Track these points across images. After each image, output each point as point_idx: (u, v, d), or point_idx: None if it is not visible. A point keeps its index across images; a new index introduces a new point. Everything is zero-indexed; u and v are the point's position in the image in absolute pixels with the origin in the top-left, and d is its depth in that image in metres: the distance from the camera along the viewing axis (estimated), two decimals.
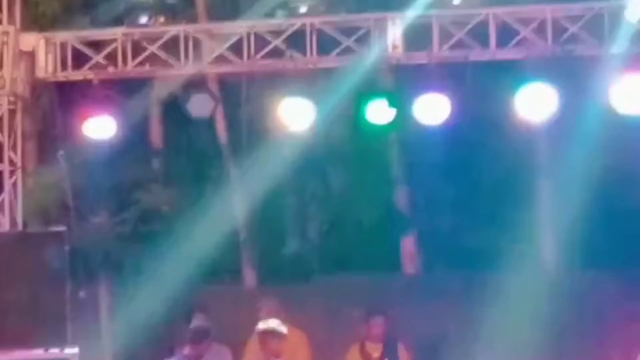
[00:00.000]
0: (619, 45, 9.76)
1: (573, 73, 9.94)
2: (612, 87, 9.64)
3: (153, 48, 10.40)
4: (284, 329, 8.47)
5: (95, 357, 10.39)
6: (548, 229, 11.87)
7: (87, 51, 10.54)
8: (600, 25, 9.79)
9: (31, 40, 10.58)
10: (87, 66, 10.59)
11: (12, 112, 10.35)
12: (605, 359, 10.49)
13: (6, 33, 10.36)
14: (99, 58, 10.42)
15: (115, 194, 12.34)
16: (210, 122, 11.95)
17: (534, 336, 10.54)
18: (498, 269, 10.96)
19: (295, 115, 10.26)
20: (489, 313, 10.66)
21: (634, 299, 10.54)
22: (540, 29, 9.91)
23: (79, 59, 10.61)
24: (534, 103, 9.91)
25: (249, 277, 12.67)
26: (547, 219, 11.91)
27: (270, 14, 10.95)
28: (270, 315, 9.06)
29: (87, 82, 10.58)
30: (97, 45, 10.70)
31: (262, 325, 8.53)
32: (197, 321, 9.72)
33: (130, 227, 12.28)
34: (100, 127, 10.20)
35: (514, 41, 9.95)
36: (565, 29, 9.91)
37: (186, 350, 8.75)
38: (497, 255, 11.05)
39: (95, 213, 12.01)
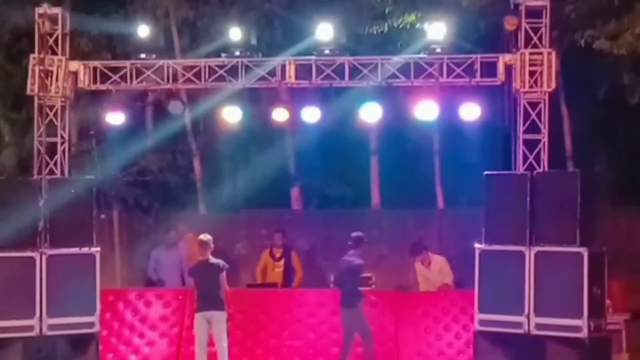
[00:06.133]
0: (419, 81, 13.42)
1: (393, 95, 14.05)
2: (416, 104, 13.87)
3: (148, 72, 13.80)
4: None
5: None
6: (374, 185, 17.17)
7: (109, 73, 13.93)
8: (408, 67, 13.50)
9: (75, 65, 13.90)
10: (108, 82, 13.99)
11: (62, 107, 13.75)
12: None
13: (60, 60, 13.61)
14: (115, 77, 13.94)
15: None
16: (181, 116, 15.92)
17: None
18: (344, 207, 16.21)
19: (230, 114, 14.33)
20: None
21: None
22: (374, 69, 13.60)
23: (103, 78, 13.94)
24: (369, 112, 14.17)
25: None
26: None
27: (217, 54, 14.11)
28: None
29: (108, 91, 14.12)
30: (114, 70, 13.95)
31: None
32: None
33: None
34: (116, 118, 14.30)
35: (359, 76, 13.64)
36: (390, 70, 13.60)
37: None
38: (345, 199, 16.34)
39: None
